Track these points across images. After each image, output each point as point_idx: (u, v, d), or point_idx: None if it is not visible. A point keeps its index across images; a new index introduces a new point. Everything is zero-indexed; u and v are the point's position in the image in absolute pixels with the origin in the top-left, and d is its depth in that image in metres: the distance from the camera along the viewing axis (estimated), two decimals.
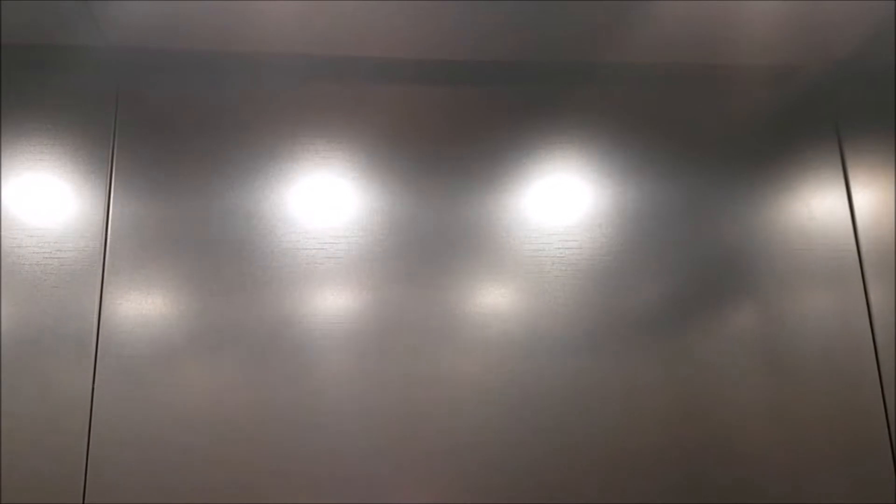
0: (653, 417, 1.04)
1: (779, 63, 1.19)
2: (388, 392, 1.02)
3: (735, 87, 1.19)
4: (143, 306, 1.02)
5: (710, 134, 1.17)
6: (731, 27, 1.10)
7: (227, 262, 1.05)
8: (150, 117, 1.10)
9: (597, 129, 1.15)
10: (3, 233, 1.03)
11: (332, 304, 1.04)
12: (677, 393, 1.05)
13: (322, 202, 1.09)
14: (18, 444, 0.95)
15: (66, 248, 1.04)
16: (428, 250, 1.08)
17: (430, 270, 1.07)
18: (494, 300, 1.06)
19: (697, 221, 1.13)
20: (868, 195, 1.16)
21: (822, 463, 1.04)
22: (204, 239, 1.06)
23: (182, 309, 1.03)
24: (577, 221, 1.11)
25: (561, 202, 1.12)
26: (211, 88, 1.12)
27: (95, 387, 0.99)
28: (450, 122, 1.14)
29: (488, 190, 1.11)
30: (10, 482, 0.94)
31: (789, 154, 1.18)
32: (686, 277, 1.10)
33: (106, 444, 0.97)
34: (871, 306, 1.11)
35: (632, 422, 1.03)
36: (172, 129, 1.10)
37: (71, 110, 1.10)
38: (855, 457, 1.04)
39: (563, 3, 1.03)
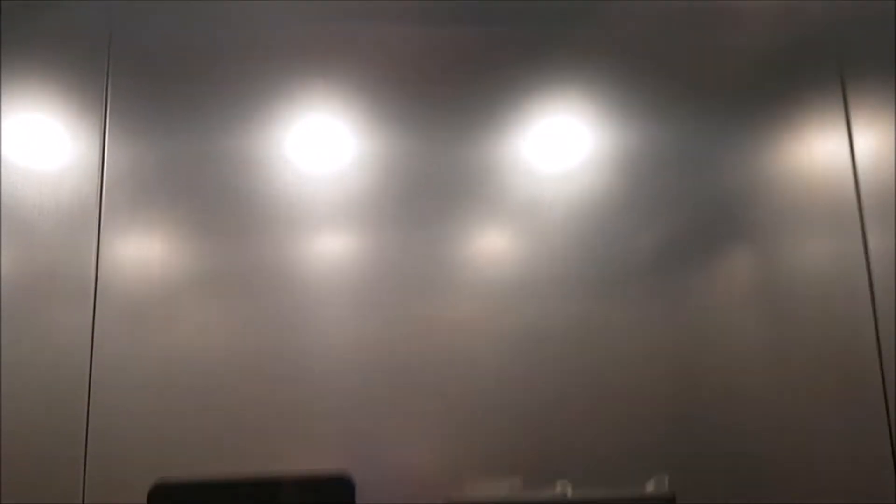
0: (649, 360, 1.04)
1: (782, 1, 1.17)
2: (386, 335, 1.02)
3: (738, 27, 1.17)
4: (141, 248, 1.02)
5: (712, 74, 1.16)
6: None
7: (224, 204, 1.05)
8: (144, 57, 1.09)
9: (598, 70, 1.14)
10: None
11: (329, 247, 1.04)
12: (674, 336, 1.06)
13: (319, 144, 1.08)
14: (18, 388, 0.96)
15: (63, 190, 1.03)
16: (426, 193, 1.07)
17: (427, 214, 1.07)
18: (492, 244, 1.06)
19: (698, 164, 1.12)
20: (869, 138, 1.15)
21: (816, 406, 1.05)
22: (201, 181, 1.05)
23: (180, 251, 1.03)
24: (576, 165, 1.10)
25: (560, 145, 1.11)
26: (206, 28, 1.11)
27: (95, 328, 1.00)
28: (449, 63, 1.12)
29: (488, 132, 1.10)
30: (11, 426, 0.95)
31: (792, 95, 1.16)
32: (685, 220, 1.10)
33: (107, 386, 0.97)
34: (869, 251, 1.11)
35: (628, 365, 1.04)
36: (167, 69, 1.09)
37: (63, 50, 1.08)
38: (848, 400, 1.05)
39: None
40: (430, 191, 1.07)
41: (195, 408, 0.97)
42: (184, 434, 0.96)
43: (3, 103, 1.05)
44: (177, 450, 0.96)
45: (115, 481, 0.94)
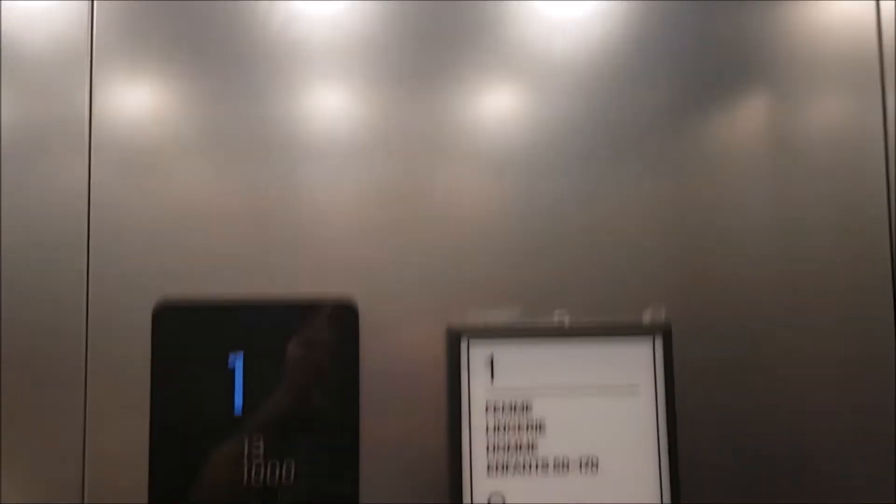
0: (655, 207, 1.03)
1: None
2: (391, 172, 1.01)
3: None
4: (134, 91, 1.00)
5: None
6: None
7: (217, 44, 1.00)
8: None
9: None
10: None
11: (328, 92, 1.02)
12: (682, 183, 1.04)
13: None
14: (17, 236, 0.96)
15: (53, 27, 1.00)
16: (429, 38, 1.03)
17: (429, 64, 1.02)
18: (498, 100, 1.03)
19: (717, 6, 1.08)
20: None
21: (819, 259, 1.05)
22: (192, 19, 1.01)
23: (173, 94, 1.00)
24: (589, 11, 1.06)
25: None
26: None
27: (91, 176, 0.99)
28: None
29: None
30: (11, 282, 0.94)
31: None
32: (701, 67, 1.06)
33: (106, 235, 0.97)
34: (887, 106, 1.08)
35: (633, 211, 1.03)
36: None
37: None
38: (854, 258, 1.05)
39: None
40: (432, 38, 1.03)
41: (196, 250, 0.97)
42: (186, 274, 0.97)
43: None
44: (179, 288, 0.97)
45: (118, 314, 0.95)
